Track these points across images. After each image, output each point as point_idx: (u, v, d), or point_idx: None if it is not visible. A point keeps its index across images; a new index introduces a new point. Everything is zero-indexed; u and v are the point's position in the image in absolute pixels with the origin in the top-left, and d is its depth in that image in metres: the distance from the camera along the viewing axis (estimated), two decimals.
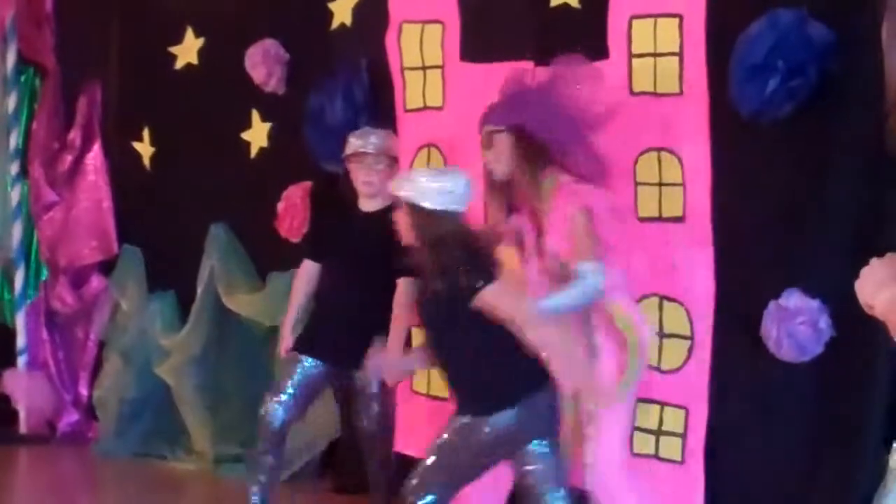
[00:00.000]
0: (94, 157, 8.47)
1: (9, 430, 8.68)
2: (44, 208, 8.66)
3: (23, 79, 8.94)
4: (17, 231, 8.86)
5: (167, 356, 7.90)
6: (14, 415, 8.73)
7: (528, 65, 5.65)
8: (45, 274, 8.82)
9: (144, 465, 7.87)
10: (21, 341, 8.84)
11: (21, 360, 8.83)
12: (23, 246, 8.90)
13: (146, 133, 8.23)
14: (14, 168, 8.88)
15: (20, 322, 8.88)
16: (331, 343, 6.12)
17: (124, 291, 8.20)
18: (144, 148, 8.25)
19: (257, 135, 7.58)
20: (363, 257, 6.07)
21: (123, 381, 8.13)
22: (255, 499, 6.17)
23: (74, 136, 8.55)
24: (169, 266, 8.05)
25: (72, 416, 8.68)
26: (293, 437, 7.20)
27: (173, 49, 7.96)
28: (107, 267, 8.41)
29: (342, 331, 6.07)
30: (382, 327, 5.92)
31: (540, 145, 5.01)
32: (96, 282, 8.44)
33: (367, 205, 6.20)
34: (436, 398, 6.34)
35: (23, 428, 8.70)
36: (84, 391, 8.60)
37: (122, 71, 8.38)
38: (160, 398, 7.97)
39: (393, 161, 6.25)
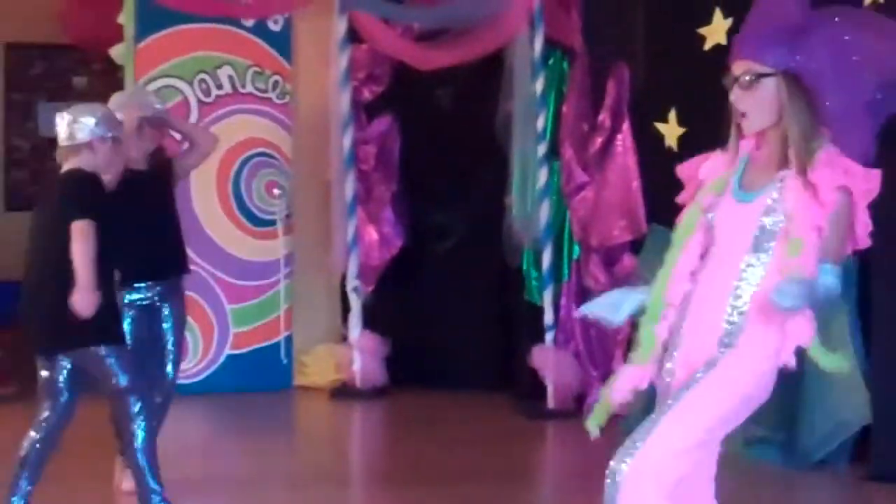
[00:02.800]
0: (624, 138, 8.57)
1: (537, 404, 8.92)
2: (576, 189, 8.85)
3: (550, 62, 9.17)
4: (544, 211, 9.09)
5: None
6: (543, 390, 8.95)
7: None
8: (577, 253, 9.02)
9: None
10: (549, 318, 9.06)
11: (548, 337, 9.06)
12: (550, 226, 9.13)
13: (672, 114, 8.26)
14: (541, 149, 9.09)
15: (547, 300, 9.11)
16: None
17: (651, 270, 8.23)
18: (670, 129, 8.27)
19: None
20: None
21: None
22: None
23: (604, 117, 8.67)
24: None
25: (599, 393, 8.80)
26: (819, 421, 7.01)
27: (702, 30, 7.96)
28: (636, 246, 8.48)
29: None
30: None
31: (815, 101, 3.97)
32: (627, 260, 8.54)
33: None
34: None
35: (550, 403, 8.91)
36: (616, 368, 8.66)
37: (648, 52, 8.47)
38: None
39: None
